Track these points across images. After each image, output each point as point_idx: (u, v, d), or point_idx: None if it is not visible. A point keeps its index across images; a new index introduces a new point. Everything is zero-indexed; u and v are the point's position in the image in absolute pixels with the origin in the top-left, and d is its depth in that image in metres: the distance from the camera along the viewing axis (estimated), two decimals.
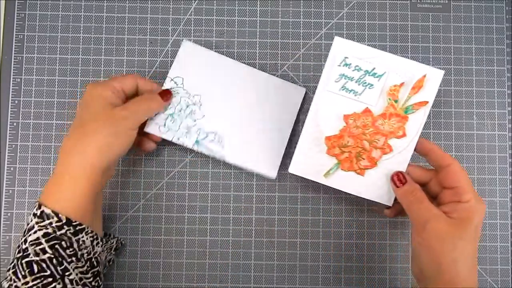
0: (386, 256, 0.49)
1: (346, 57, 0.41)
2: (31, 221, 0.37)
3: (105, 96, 0.40)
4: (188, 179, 0.49)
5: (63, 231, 0.37)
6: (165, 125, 0.45)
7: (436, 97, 0.50)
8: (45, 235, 0.37)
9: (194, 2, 0.51)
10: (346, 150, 0.42)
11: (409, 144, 0.41)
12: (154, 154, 0.49)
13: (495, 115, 0.51)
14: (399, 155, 0.41)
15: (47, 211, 0.37)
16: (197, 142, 0.46)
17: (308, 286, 0.49)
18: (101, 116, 0.39)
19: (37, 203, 0.38)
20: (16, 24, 0.50)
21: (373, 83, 0.41)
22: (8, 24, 0.50)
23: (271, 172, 0.46)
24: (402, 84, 0.41)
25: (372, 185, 0.42)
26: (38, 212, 0.37)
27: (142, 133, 0.45)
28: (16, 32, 0.50)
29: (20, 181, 0.49)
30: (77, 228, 0.38)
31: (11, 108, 0.50)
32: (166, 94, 0.45)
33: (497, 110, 0.51)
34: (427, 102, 0.41)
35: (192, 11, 0.51)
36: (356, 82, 0.41)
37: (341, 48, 0.41)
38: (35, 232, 0.37)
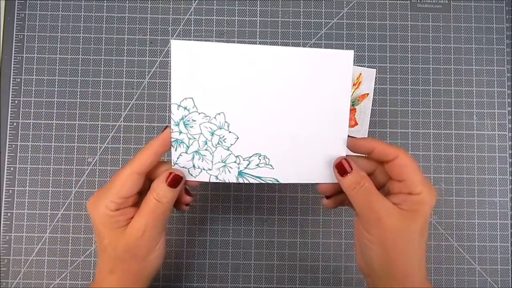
0: None
1: None
2: None
3: (105, 223, 0.35)
4: None
5: None
6: (194, 166, 0.36)
7: (436, 97, 0.50)
8: None
9: (194, 2, 0.51)
10: None
11: (361, 130, 0.49)
12: None
13: (495, 115, 0.51)
14: None
15: None
16: (240, 174, 0.37)
17: (308, 286, 0.49)
18: (106, 250, 0.35)
19: None
20: (16, 24, 0.50)
21: None
22: (8, 24, 0.50)
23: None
24: None
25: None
26: None
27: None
28: (16, 32, 0.50)
29: (20, 181, 0.49)
30: None
31: (11, 108, 0.50)
32: (172, 179, 0.35)
33: (497, 110, 0.51)
34: (368, 94, 0.49)
35: (192, 11, 0.51)
36: None
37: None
38: None
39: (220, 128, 0.36)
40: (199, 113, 0.35)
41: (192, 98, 0.35)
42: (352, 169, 0.35)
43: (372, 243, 0.34)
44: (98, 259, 0.37)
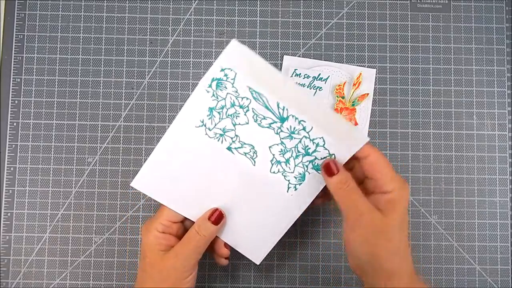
0: None
1: (295, 69, 0.49)
2: None
3: (150, 244, 0.39)
4: None
5: None
6: (203, 121, 0.40)
7: (436, 97, 0.50)
8: None
9: (194, 2, 0.51)
10: None
11: (362, 130, 0.49)
12: None
13: (495, 115, 0.51)
14: None
15: None
16: (229, 149, 0.40)
17: (308, 286, 0.49)
18: (146, 270, 0.39)
19: None
20: (16, 24, 0.50)
21: (321, 86, 0.49)
22: (8, 24, 0.50)
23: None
24: (345, 83, 0.49)
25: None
26: None
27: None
28: (16, 32, 0.50)
29: (20, 181, 0.49)
30: None
31: (11, 108, 0.50)
32: (215, 216, 0.40)
33: (497, 110, 0.51)
34: (368, 94, 0.49)
35: (192, 11, 0.51)
36: (307, 87, 0.49)
37: (290, 63, 0.49)
38: None
39: (241, 107, 0.39)
40: (234, 87, 0.38)
41: (236, 73, 0.38)
42: (338, 170, 0.37)
43: (357, 241, 0.36)
44: (138, 277, 0.40)
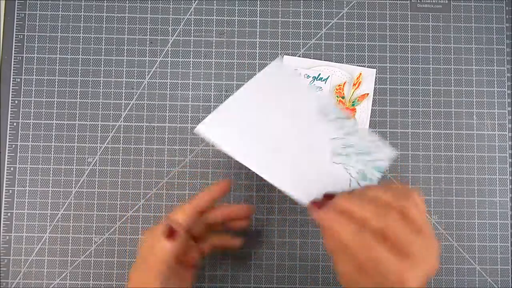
0: None
1: (295, 69, 0.49)
2: None
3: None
4: (188, 179, 0.49)
5: None
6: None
7: (436, 97, 0.50)
8: None
9: (194, 2, 0.51)
10: None
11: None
12: (154, 154, 0.49)
13: (495, 115, 0.51)
14: None
15: None
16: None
17: (308, 286, 0.49)
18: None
19: None
20: (16, 24, 0.50)
21: (321, 86, 0.49)
22: (8, 24, 0.50)
23: None
24: (345, 83, 0.49)
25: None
26: None
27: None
28: (16, 32, 0.50)
29: (20, 181, 0.49)
30: None
31: (11, 108, 0.50)
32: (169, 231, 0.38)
33: (497, 110, 0.51)
34: (368, 94, 0.49)
35: (192, 11, 0.51)
36: None
37: (290, 63, 0.50)
38: None
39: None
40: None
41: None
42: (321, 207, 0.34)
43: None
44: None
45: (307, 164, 0.40)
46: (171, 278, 0.38)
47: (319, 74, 0.49)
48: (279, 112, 0.41)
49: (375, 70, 0.50)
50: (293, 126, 0.41)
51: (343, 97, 0.49)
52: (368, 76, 0.50)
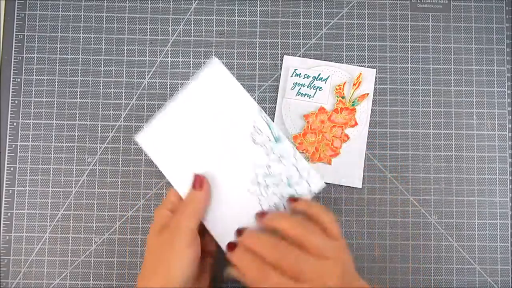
0: (386, 256, 0.49)
1: (295, 69, 0.49)
2: None
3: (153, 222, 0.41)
4: None
5: None
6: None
7: (436, 97, 0.50)
8: None
9: (194, 2, 0.51)
10: (312, 144, 0.49)
11: (362, 130, 0.49)
12: None
13: (495, 115, 0.51)
14: (356, 142, 0.49)
15: None
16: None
17: None
18: (148, 248, 0.40)
19: None
20: (16, 24, 0.50)
21: (321, 85, 0.49)
22: (8, 24, 0.50)
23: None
24: (345, 83, 0.49)
25: (339, 172, 0.44)
26: None
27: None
28: (16, 32, 0.50)
29: (20, 181, 0.49)
30: None
31: (11, 108, 0.50)
32: (196, 181, 0.41)
33: (497, 110, 0.51)
34: (367, 94, 0.49)
35: (192, 11, 0.51)
36: (307, 87, 0.49)
37: (290, 63, 0.50)
38: None
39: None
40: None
41: None
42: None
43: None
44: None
45: (228, 192, 0.41)
46: (194, 245, 0.39)
47: (319, 74, 0.49)
48: (211, 127, 0.41)
49: (375, 70, 0.50)
50: (223, 145, 0.41)
51: (343, 97, 0.49)
52: (368, 76, 0.50)
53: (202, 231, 0.41)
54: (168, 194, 0.42)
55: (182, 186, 0.41)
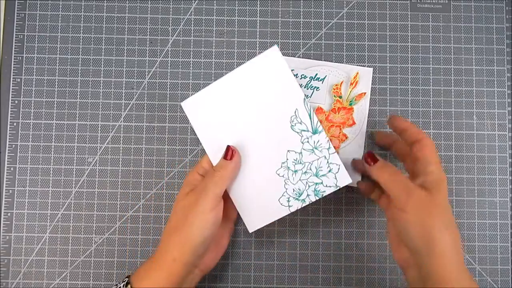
0: (386, 256, 0.49)
1: (292, 70, 0.48)
2: None
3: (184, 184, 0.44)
4: None
5: None
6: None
7: (436, 97, 0.50)
8: None
9: (194, 2, 0.51)
10: None
11: (360, 130, 0.49)
12: (154, 154, 0.49)
13: (495, 115, 0.51)
14: (354, 142, 0.48)
15: None
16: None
17: (308, 286, 0.49)
18: (174, 209, 0.42)
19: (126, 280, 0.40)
20: (16, 24, 0.50)
21: (318, 86, 0.49)
22: (8, 24, 0.50)
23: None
24: (342, 82, 0.49)
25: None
26: None
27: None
28: (16, 32, 0.50)
29: (20, 181, 0.49)
30: None
31: (11, 108, 0.50)
32: (228, 153, 0.43)
33: (497, 110, 0.51)
34: (365, 93, 0.49)
35: (192, 11, 0.51)
36: (304, 87, 0.49)
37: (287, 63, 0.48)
38: None
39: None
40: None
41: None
42: (377, 159, 0.41)
43: (410, 221, 0.37)
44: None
45: (257, 170, 0.43)
46: (216, 210, 0.41)
47: (316, 74, 0.49)
48: (254, 106, 0.43)
49: (371, 69, 0.50)
50: (261, 125, 0.43)
51: (340, 97, 0.49)
52: (365, 75, 0.50)
53: (226, 198, 0.44)
54: (201, 160, 0.45)
55: (215, 155, 0.44)
